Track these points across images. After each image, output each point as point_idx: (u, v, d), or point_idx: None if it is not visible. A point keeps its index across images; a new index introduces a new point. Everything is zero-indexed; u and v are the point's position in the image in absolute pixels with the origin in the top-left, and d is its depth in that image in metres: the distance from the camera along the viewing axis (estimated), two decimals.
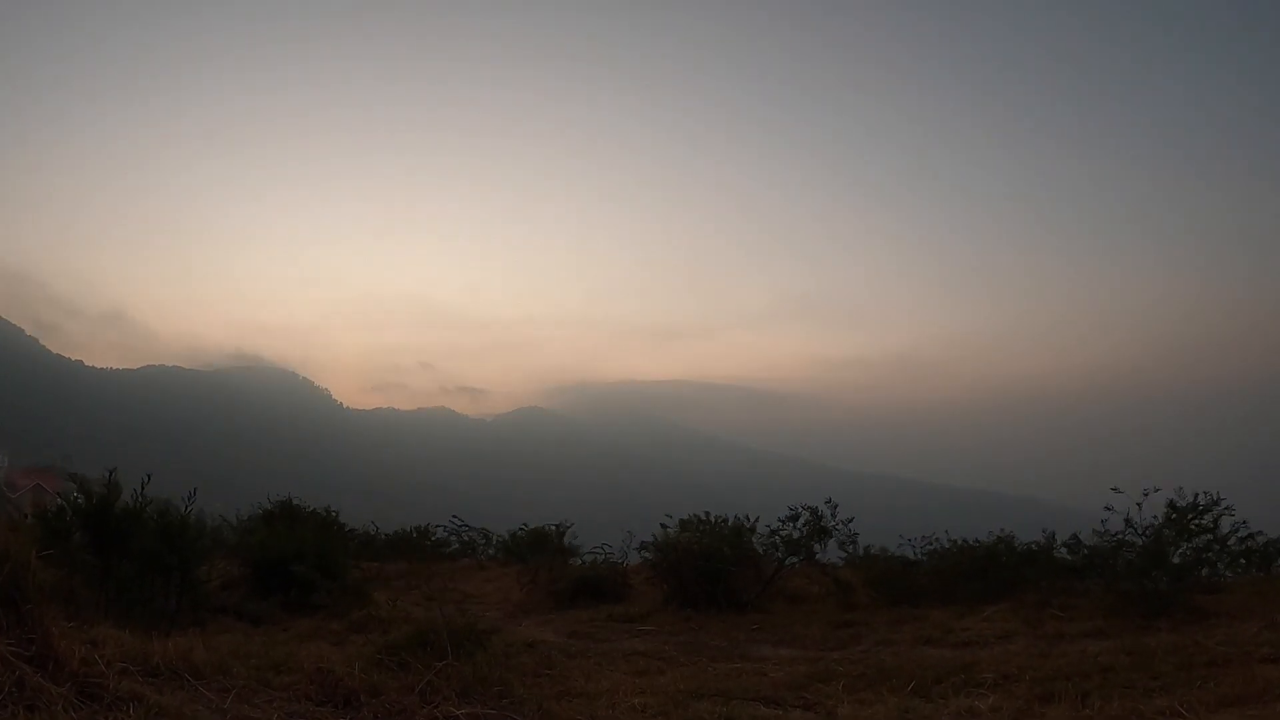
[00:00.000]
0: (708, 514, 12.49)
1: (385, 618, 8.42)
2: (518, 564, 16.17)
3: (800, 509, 11.79)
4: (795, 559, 11.86)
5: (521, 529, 19.00)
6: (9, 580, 4.18)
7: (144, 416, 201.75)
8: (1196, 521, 9.22)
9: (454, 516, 20.26)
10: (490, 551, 20.15)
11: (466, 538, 20.55)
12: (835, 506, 11.84)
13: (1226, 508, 9.33)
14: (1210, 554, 9.23)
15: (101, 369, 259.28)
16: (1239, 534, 9.45)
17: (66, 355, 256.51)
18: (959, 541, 11.66)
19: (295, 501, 17.40)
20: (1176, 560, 9.12)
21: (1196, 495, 9.44)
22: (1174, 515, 9.31)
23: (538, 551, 16.29)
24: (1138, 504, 9.49)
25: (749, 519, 12.14)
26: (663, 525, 12.43)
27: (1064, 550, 10.62)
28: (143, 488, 8.64)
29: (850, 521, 11.93)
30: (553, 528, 18.07)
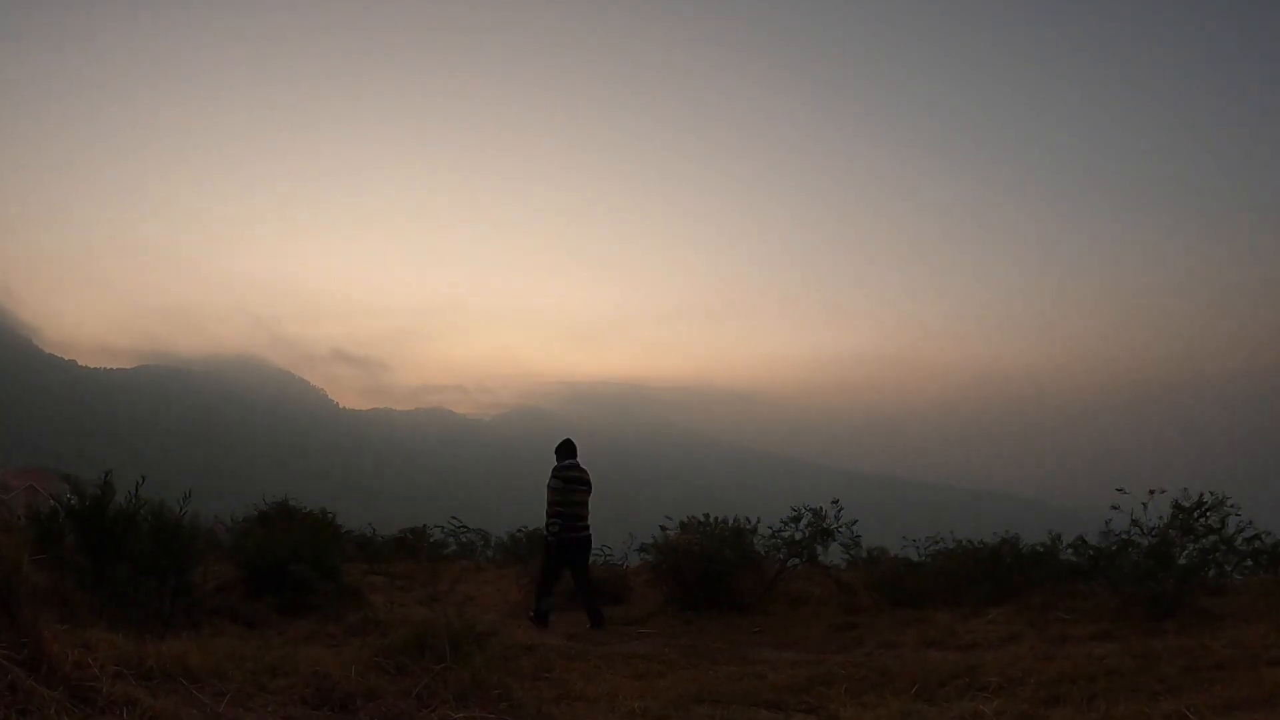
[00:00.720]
0: (708, 515, 12.43)
1: (383, 620, 8.35)
2: (517, 565, 16.08)
3: (803, 510, 11.74)
4: (797, 561, 11.81)
5: (520, 530, 18.91)
6: (1, 583, 4.11)
7: (138, 417, 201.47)
8: (1202, 521, 9.16)
9: (453, 517, 20.17)
10: (489, 553, 20.05)
11: (465, 539, 20.45)
12: (840, 508, 11.79)
13: (1232, 507, 9.27)
14: (1217, 555, 9.15)
15: (95, 368, 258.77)
16: (1246, 534, 9.37)
17: (59, 354, 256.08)
18: (963, 543, 11.61)
19: (291, 502, 17.31)
20: (1182, 562, 9.06)
21: (1201, 494, 9.38)
22: (1179, 515, 9.25)
23: (537, 553, 16.20)
24: (1143, 504, 9.43)
25: (750, 520, 12.08)
26: (662, 527, 12.38)
27: (1070, 551, 10.56)
28: (137, 489, 8.55)
29: (854, 524, 11.88)
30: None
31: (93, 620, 6.35)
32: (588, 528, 11.20)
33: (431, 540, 20.23)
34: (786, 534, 11.75)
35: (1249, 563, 9.74)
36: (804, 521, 11.73)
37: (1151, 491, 9.45)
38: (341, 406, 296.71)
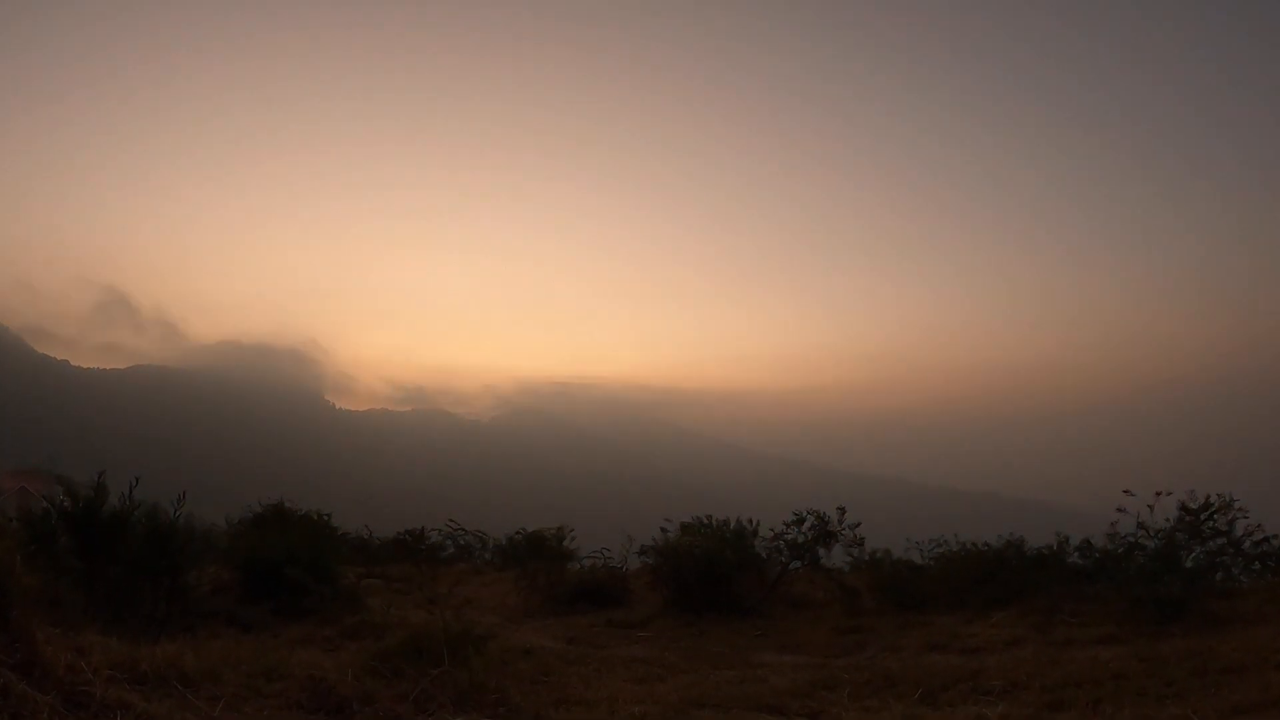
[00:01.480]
0: (709, 517, 12.38)
1: (379, 623, 8.30)
2: (515, 568, 16.02)
3: (806, 513, 11.70)
4: (799, 563, 11.77)
5: (519, 533, 18.85)
6: None
7: (132, 418, 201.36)
8: (1209, 524, 9.13)
9: (450, 519, 20.13)
10: (487, 555, 20.00)
11: (463, 541, 20.40)
12: (844, 511, 11.75)
13: (1240, 510, 9.23)
14: (1224, 558, 9.13)
15: (89, 369, 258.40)
16: (1254, 537, 9.34)
17: (52, 355, 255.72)
18: (967, 545, 11.58)
19: (286, 504, 17.23)
20: (1190, 564, 9.02)
21: (1208, 497, 9.34)
22: (1186, 517, 9.21)
23: (535, 556, 16.15)
24: (1150, 506, 9.40)
25: (752, 522, 12.04)
26: (663, 529, 12.33)
27: (1075, 554, 10.51)
28: (131, 490, 8.51)
29: (857, 527, 11.84)
30: (551, 531, 17.93)
31: (86, 623, 6.30)
32: None
33: (429, 543, 20.19)
34: (789, 536, 11.71)
35: (1257, 566, 9.69)
36: (807, 524, 11.69)
37: (1158, 493, 9.43)
38: (339, 407, 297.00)
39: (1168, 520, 9.34)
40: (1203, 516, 9.19)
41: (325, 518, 17.49)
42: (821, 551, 11.79)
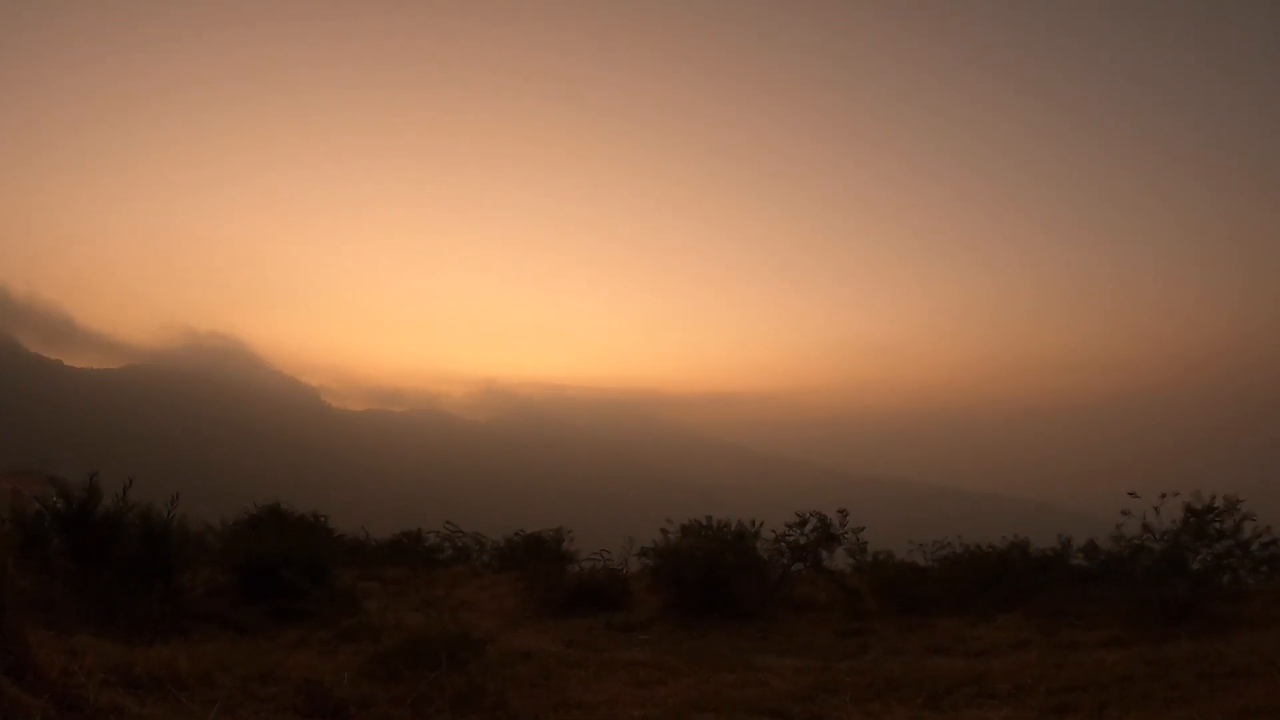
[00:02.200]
0: (710, 518, 12.32)
1: (376, 626, 8.23)
2: (513, 570, 15.96)
3: (808, 515, 11.65)
4: (801, 565, 11.71)
5: (518, 534, 18.80)
6: None
7: (126, 418, 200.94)
8: (1216, 525, 9.09)
9: (448, 521, 20.08)
10: (485, 558, 19.94)
11: (460, 543, 20.35)
12: (846, 514, 11.70)
13: (1247, 512, 9.19)
14: (1231, 560, 9.08)
15: (82, 368, 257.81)
16: (1262, 539, 9.29)
17: (45, 354, 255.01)
18: (971, 547, 11.55)
19: (282, 506, 17.17)
20: (1196, 566, 8.99)
21: (1214, 498, 9.30)
22: (1192, 519, 9.17)
23: (534, 557, 16.10)
24: (1155, 508, 9.35)
25: (753, 524, 11.98)
26: (663, 530, 12.26)
27: (1080, 556, 10.47)
28: (124, 492, 8.46)
29: (861, 531, 11.79)
30: (550, 533, 17.89)
31: (79, 626, 6.26)
32: None
33: (427, 545, 20.14)
34: (790, 538, 11.66)
35: (1265, 568, 9.65)
36: (809, 526, 11.64)
37: (1164, 495, 9.38)
38: (334, 408, 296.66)
39: (1173, 522, 9.30)
40: (1209, 518, 9.15)
41: (322, 519, 17.44)
42: (823, 553, 11.74)
